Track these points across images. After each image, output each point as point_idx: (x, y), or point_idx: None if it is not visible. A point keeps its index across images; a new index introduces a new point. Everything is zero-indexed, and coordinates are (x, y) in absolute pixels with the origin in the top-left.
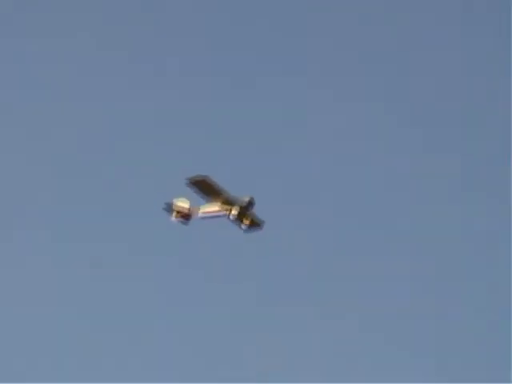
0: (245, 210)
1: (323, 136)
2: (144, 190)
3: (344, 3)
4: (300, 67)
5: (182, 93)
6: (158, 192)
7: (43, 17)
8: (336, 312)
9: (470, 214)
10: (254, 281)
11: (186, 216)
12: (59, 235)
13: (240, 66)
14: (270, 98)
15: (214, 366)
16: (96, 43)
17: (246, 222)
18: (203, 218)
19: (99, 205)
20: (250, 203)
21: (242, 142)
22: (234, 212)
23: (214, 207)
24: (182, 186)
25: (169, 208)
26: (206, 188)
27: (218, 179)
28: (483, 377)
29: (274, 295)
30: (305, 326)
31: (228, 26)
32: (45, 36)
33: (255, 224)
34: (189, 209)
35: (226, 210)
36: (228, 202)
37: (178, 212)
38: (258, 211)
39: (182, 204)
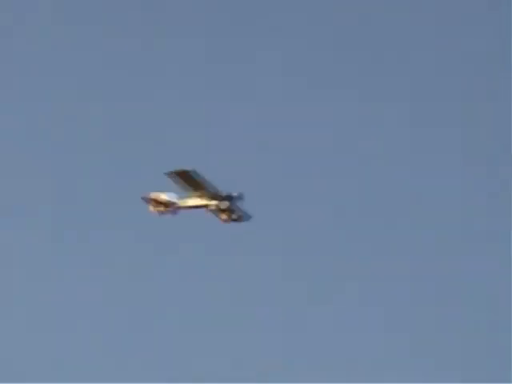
0: (230, 205)
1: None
2: (126, 181)
3: (344, 3)
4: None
5: (175, 90)
6: (140, 184)
7: (43, 17)
8: (326, 310)
9: (470, 214)
10: (237, 276)
11: (166, 208)
12: (52, 232)
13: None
14: (270, 97)
15: (209, 365)
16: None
17: (230, 216)
18: (185, 210)
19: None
20: (235, 198)
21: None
22: (222, 207)
23: (197, 201)
24: (165, 178)
25: (148, 200)
26: (189, 181)
27: (217, 174)
28: (483, 377)
29: (264, 292)
30: (293, 325)
31: (228, 26)
32: (44, 36)
33: (240, 218)
34: (169, 201)
35: (210, 204)
36: (212, 196)
37: (157, 204)
38: (247, 206)
39: (162, 196)
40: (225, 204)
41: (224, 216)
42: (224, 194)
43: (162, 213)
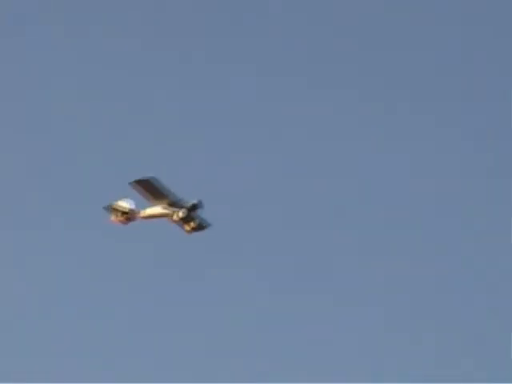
0: (191, 214)
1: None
2: (88, 190)
3: (344, 3)
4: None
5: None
6: (102, 193)
7: (43, 16)
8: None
9: (470, 214)
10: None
11: (126, 218)
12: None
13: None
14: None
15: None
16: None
17: (191, 225)
18: (146, 219)
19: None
20: (196, 206)
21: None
22: (179, 215)
23: (157, 210)
24: (126, 187)
25: (109, 209)
26: (150, 189)
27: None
28: (483, 377)
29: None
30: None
31: (228, 26)
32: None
33: (201, 227)
34: (130, 210)
35: (170, 213)
36: (173, 205)
37: (118, 213)
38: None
39: (124, 205)
40: (183, 212)
41: (188, 227)
42: (185, 202)
43: (123, 222)
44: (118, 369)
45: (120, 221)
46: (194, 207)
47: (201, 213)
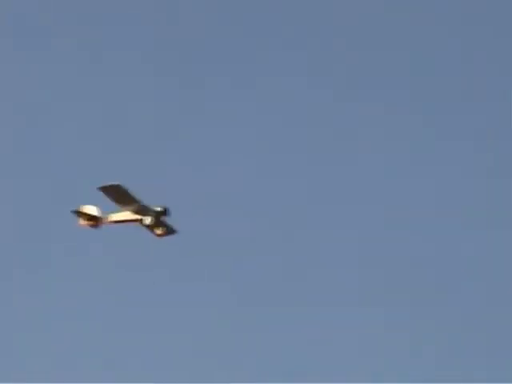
0: (158, 220)
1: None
2: (56, 194)
3: (344, 3)
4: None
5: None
6: (70, 197)
7: (42, 17)
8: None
9: (470, 214)
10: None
11: (94, 222)
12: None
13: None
14: (271, 96)
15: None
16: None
17: (159, 231)
18: (114, 224)
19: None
20: (163, 213)
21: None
22: (147, 221)
23: (125, 215)
24: (95, 192)
25: (77, 213)
26: (118, 195)
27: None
28: (483, 377)
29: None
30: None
31: (228, 26)
32: (44, 36)
33: (169, 232)
34: (97, 216)
35: (138, 218)
36: (141, 211)
37: (86, 218)
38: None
39: (90, 210)
40: (151, 220)
41: (157, 231)
42: (152, 208)
43: (91, 226)
44: (118, 369)
45: (88, 225)
46: (160, 213)
47: (167, 219)
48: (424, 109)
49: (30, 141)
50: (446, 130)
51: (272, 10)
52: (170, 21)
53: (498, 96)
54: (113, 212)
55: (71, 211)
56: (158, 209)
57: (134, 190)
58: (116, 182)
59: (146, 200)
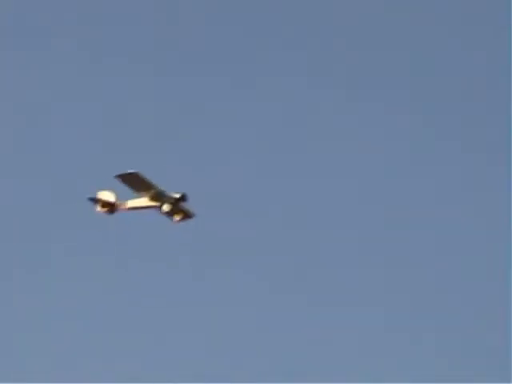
0: (176, 206)
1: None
2: (56, 194)
3: (345, 3)
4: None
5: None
6: (70, 197)
7: (42, 17)
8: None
9: (470, 214)
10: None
11: (111, 209)
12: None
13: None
14: (271, 96)
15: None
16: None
17: (178, 217)
18: (131, 210)
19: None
20: (181, 199)
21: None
22: (166, 209)
23: (143, 202)
24: (95, 192)
25: (94, 200)
26: (136, 183)
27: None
28: (483, 377)
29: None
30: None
31: (229, 26)
32: (44, 36)
33: (186, 217)
34: (115, 202)
35: (156, 205)
36: (158, 198)
37: (103, 204)
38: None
39: (107, 197)
40: (167, 207)
41: (177, 217)
42: (170, 195)
43: (108, 212)
44: (118, 369)
45: (105, 211)
46: (179, 200)
47: (185, 204)
48: (424, 109)
49: (30, 141)
50: (446, 130)
51: (272, 10)
52: (170, 21)
53: (498, 96)
54: (130, 199)
55: (88, 198)
56: (176, 195)
57: (151, 178)
58: (134, 170)
59: (163, 186)
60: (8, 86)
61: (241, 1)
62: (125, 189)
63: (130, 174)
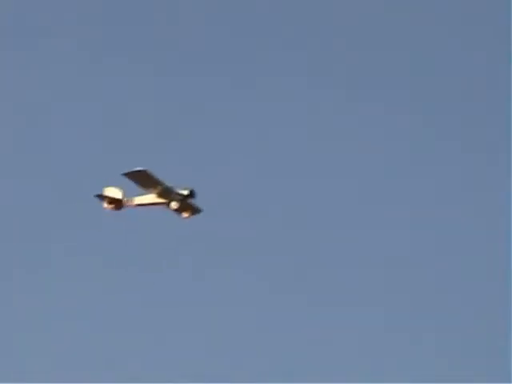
0: (184, 203)
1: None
2: (56, 194)
3: (345, 3)
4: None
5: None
6: (70, 197)
7: (42, 17)
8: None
9: (470, 214)
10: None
11: (118, 205)
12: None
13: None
14: (270, 97)
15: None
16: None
17: (186, 214)
18: (138, 207)
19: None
20: (189, 196)
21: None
22: (174, 206)
23: (150, 199)
24: (95, 192)
25: (101, 196)
26: (144, 180)
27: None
28: (483, 377)
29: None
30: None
31: (228, 27)
32: (44, 36)
33: (194, 212)
34: (122, 199)
35: (164, 202)
36: (166, 194)
37: (110, 201)
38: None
39: (114, 194)
40: (176, 204)
41: (186, 214)
42: (178, 191)
43: (115, 209)
44: (118, 369)
45: (112, 208)
46: (187, 197)
47: (193, 200)
48: (424, 109)
49: (30, 141)
50: (446, 130)
51: (272, 10)
52: (170, 21)
53: (498, 96)
54: (137, 195)
55: (95, 195)
56: (185, 192)
57: (157, 175)
58: (142, 168)
59: (168, 183)
60: (8, 85)
61: (241, 1)
62: (131, 185)
63: (139, 171)
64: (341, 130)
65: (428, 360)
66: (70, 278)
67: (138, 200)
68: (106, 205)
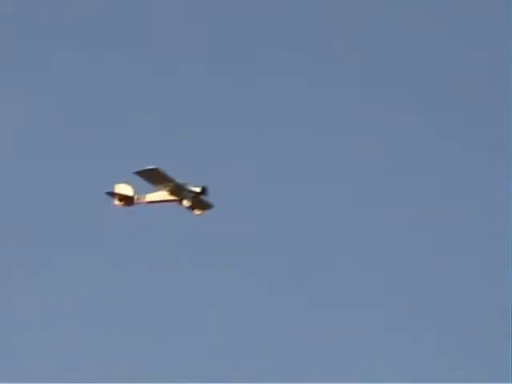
0: (197, 200)
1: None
2: (56, 194)
3: (345, 3)
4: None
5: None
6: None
7: (42, 17)
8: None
9: (470, 214)
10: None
11: (128, 202)
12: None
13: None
14: (271, 97)
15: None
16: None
17: (198, 211)
18: (150, 204)
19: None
20: (202, 193)
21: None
22: (186, 203)
23: (162, 196)
24: (95, 192)
25: (113, 194)
26: (155, 178)
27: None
28: (483, 377)
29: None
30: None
31: (228, 28)
32: (44, 36)
33: (206, 208)
34: (133, 196)
35: (176, 199)
36: (178, 192)
37: (120, 198)
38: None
39: (125, 191)
40: (188, 202)
41: (198, 211)
42: (190, 188)
43: (125, 205)
44: (118, 369)
45: (123, 205)
46: (199, 194)
47: (206, 197)
48: (424, 109)
49: (30, 141)
50: (446, 130)
51: (272, 10)
52: (170, 21)
53: (498, 96)
54: (148, 192)
55: (106, 192)
56: (197, 189)
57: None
58: (154, 166)
59: (180, 181)
60: (8, 85)
61: (241, 1)
62: (141, 182)
63: (151, 170)
64: (341, 130)
65: (428, 360)
66: (69, 278)
67: (150, 197)
68: (116, 202)
